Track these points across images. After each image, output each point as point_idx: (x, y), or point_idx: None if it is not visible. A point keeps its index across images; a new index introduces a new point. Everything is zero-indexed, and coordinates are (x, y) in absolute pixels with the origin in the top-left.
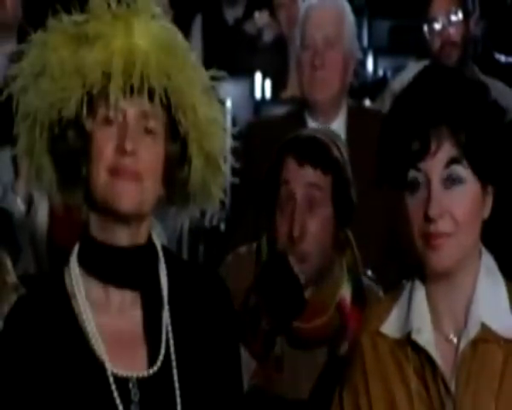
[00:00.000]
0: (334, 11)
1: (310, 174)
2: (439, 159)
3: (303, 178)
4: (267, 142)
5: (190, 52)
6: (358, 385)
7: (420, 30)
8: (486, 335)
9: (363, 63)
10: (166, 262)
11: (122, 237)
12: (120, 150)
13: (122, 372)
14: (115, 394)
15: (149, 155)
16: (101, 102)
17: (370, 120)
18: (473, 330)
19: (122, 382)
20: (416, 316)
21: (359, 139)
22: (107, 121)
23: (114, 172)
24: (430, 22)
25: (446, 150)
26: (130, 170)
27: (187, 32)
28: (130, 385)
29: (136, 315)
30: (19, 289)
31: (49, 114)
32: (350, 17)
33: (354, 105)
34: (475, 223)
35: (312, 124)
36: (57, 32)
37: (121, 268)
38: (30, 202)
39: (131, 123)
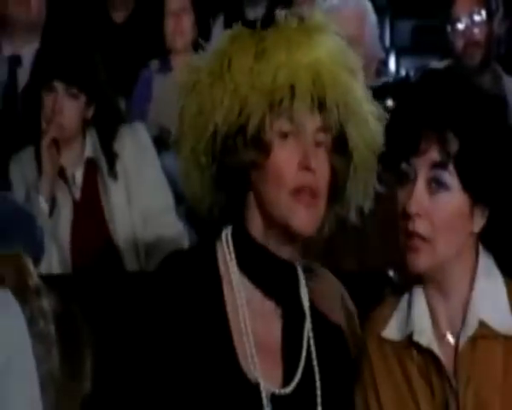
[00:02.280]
0: (356, 11)
1: None
2: (426, 159)
3: None
4: None
5: (358, 65)
6: (367, 387)
7: (442, 30)
8: (485, 332)
9: (385, 63)
10: (308, 285)
11: (285, 249)
12: (304, 167)
13: (259, 381)
14: (266, 408)
15: (323, 170)
16: (280, 115)
17: None
18: (471, 328)
19: (255, 389)
20: (416, 318)
21: None
22: (284, 134)
23: (297, 193)
24: (453, 22)
25: (433, 153)
26: (311, 188)
27: (209, 32)
28: (264, 396)
29: (276, 326)
30: (41, 292)
31: (226, 127)
32: (372, 17)
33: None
34: (457, 234)
35: None
36: (237, 44)
37: (274, 278)
38: (53, 202)
39: (309, 137)
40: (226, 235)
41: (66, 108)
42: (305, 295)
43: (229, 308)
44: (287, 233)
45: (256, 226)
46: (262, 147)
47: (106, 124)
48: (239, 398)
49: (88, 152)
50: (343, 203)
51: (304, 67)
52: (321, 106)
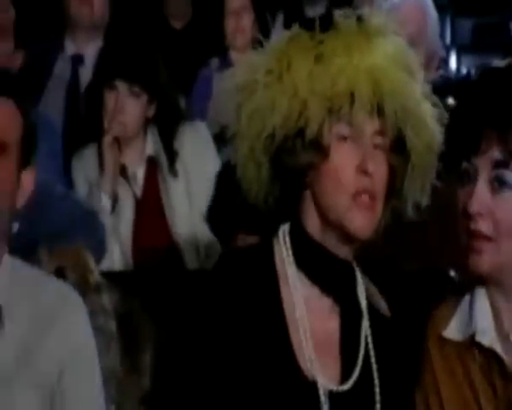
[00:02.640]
0: (417, 10)
1: None
2: (488, 158)
3: None
4: None
5: (416, 64)
6: (428, 387)
7: (504, 27)
8: None
9: (446, 61)
10: (365, 283)
11: (343, 251)
12: (362, 171)
13: (316, 378)
14: (324, 406)
15: (381, 172)
16: (339, 119)
17: None
18: None
19: (313, 386)
20: (478, 318)
21: None
22: (342, 138)
23: (355, 197)
24: None
25: (495, 152)
26: (369, 191)
27: (268, 31)
28: (321, 393)
29: (334, 324)
30: (101, 289)
31: (284, 129)
32: (433, 14)
33: None
34: None
35: None
36: (296, 45)
37: (331, 276)
38: (115, 200)
39: (367, 141)
40: (283, 232)
41: (128, 107)
42: (362, 293)
43: (285, 305)
44: (343, 235)
45: (313, 224)
46: (320, 149)
47: (167, 122)
48: (296, 395)
49: (149, 150)
50: (400, 200)
51: (363, 74)
52: (379, 110)
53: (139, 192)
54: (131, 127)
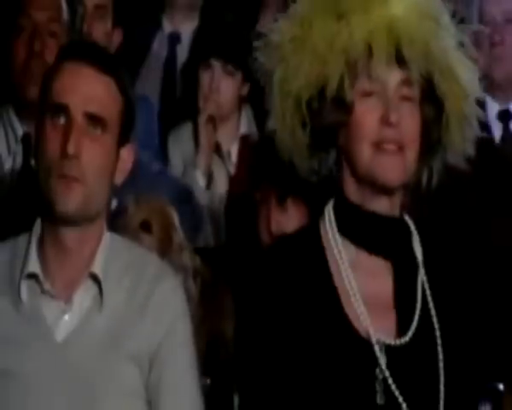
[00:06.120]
0: None
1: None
2: None
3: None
4: None
5: (443, 13)
6: None
7: None
8: None
9: None
10: (420, 236)
11: (382, 205)
12: (385, 122)
13: (369, 334)
14: (381, 360)
15: (410, 123)
16: (361, 73)
17: None
18: None
19: (368, 344)
20: None
21: None
22: (367, 93)
23: (379, 145)
24: None
25: None
26: (394, 141)
27: None
28: (377, 349)
29: (386, 281)
30: (183, 247)
31: (308, 90)
32: None
33: None
34: None
35: (491, 103)
36: (317, 7)
37: (376, 235)
38: (210, 177)
39: (391, 93)
40: (328, 209)
41: (223, 86)
42: (417, 245)
43: (335, 276)
44: (375, 186)
45: (350, 186)
46: (344, 107)
47: (261, 100)
48: (351, 353)
49: (243, 128)
50: (441, 152)
51: (381, 26)
52: (402, 60)
53: (232, 169)
54: (226, 106)
